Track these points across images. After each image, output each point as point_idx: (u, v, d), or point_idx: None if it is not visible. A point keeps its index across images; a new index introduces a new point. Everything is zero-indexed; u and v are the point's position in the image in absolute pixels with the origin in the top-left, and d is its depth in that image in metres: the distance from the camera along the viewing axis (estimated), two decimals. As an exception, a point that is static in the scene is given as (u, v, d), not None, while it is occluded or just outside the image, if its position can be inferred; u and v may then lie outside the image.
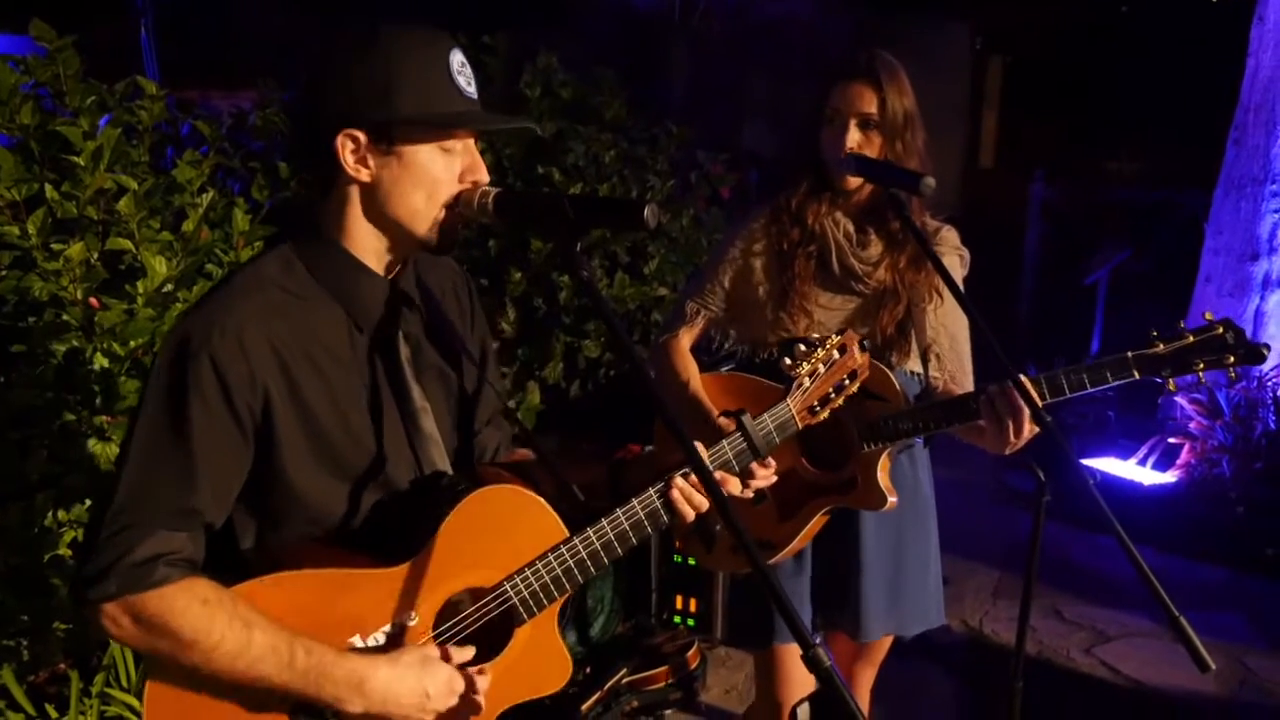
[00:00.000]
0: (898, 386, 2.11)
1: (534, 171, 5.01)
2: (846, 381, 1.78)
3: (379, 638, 1.44)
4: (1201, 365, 1.91)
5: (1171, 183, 8.52)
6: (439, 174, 1.44)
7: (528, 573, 1.50)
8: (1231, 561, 4.72)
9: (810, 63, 8.37)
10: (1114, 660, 3.88)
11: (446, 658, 1.45)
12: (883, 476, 2.13)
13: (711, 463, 1.64)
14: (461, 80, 1.44)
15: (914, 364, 2.22)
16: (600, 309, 1.34)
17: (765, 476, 1.70)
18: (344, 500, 1.48)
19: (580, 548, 1.52)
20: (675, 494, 1.55)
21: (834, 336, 1.76)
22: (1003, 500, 5.49)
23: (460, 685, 1.44)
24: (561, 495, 1.56)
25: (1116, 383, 1.95)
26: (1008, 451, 1.99)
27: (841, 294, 2.23)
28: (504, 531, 1.50)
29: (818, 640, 1.16)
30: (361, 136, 1.41)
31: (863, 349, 1.79)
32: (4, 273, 2.48)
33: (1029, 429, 1.93)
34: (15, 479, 2.43)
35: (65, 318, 2.46)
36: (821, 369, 1.75)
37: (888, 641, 2.41)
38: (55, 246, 2.47)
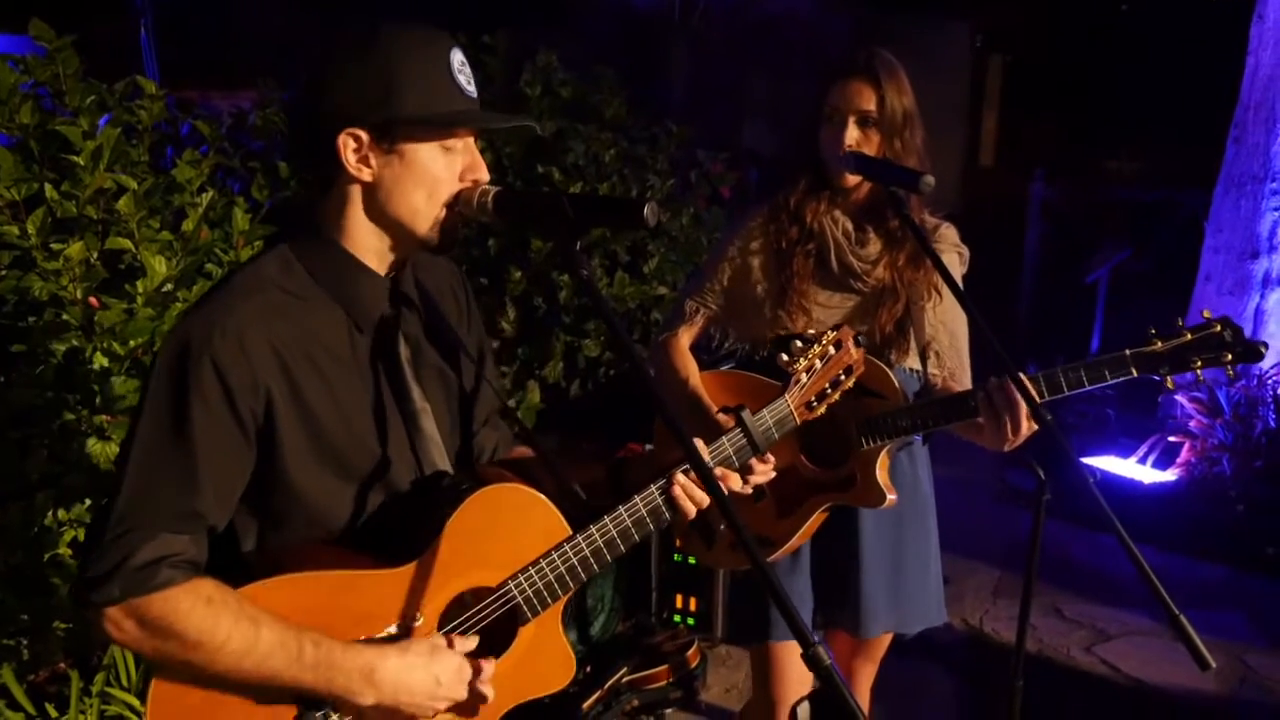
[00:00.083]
0: (896, 384, 2.12)
1: (534, 170, 5.01)
2: (842, 377, 1.80)
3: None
4: (1199, 363, 1.91)
5: (1171, 181, 8.52)
6: (440, 173, 1.45)
7: (531, 571, 1.50)
8: (1232, 560, 4.72)
9: (810, 62, 8.37)
10: (1114, 659, 3.88)
11: (452, 647, 1.45)
12: (882, 474, 2.13)
13: (712, 459, 1.65)
14: (462, 79, 1.44)
15: (913, 361, 2.22)
16: (600, 308, 1.35)
17: (764, 473, 1.71)
18: (346, 501, 1.48)
19: (583, 545, 1.52)
20: (677, 490, 1.55)
21: (829, 332, 1.78)
22: (1003, 499, 5.49)
23: (469, 672, 1.45)
24: (562, 494, 1.56)
25: (1115, 381, 1.95)
26: (1007, 449, 1.99)
27: (840, 292, 2.23)
28: (507, 530, 1.50)
29: (817, 639, 1.17)
30: (363, 135, 1.41)
31: (858, 344, 1.80)
32: (4, 272, 2.48)
33: (1027, 426, 1.93)
34: (15, 479, 2.43)
35: (65, 317, 2.46)
36: (818, 365, 1.76)
37: (887, 639, 2.41)
38: (55, 246, 2.47)
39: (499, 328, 4.83)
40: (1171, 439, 5.58)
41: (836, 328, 1.80)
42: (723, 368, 2.33)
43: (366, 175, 1.43)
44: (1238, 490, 5.16)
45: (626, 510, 1.54)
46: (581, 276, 1.36)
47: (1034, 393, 1.91)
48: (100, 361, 2.44)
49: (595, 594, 3.45)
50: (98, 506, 2.43)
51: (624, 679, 3.06)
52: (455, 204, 1.46)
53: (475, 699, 1.46)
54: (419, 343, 1.58)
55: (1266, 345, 1.91)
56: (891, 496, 2.14)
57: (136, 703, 2.63)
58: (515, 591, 1.50)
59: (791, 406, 1.75)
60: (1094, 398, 5.92)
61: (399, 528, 1.49)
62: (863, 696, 2.52)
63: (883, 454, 2.13)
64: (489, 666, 1.47)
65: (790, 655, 2.31)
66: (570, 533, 1.52)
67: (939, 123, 2.36)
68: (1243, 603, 4.36)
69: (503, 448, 1.78)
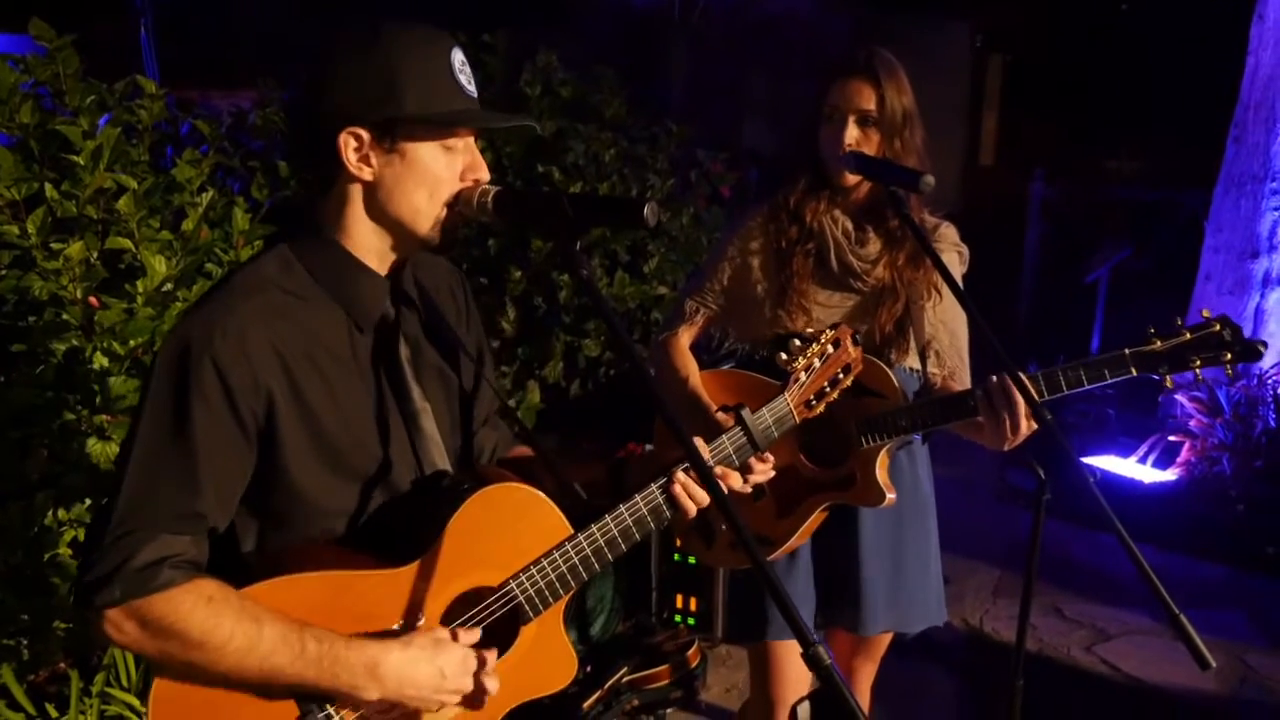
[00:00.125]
0: (896, 383, 2.12)
1: (534, 170, 5.01)
2: (841, 375, 1.81)
3: None
4: (1198, 362, 1.91)
5: (1171, 181, 8.52)
6: (441, 172, 1.45)
7: (533, 571, 1.50)
8: (1232, 559, 4.72)
9: (810, 61, 8.37)
10: (1114, 658, 3.88)
11: (456, 640, 1.44)
12: (881, 473, 2.13)
13: (712, 458, 1.65)
14: (463, 79, 1.45)
15: (913, 361, 2.22)
16: (600, 308, 1.35)
17: (764, 472, 1.71)
18: (347, 501, 1.48)
19: (585, 544, 1.53)
20: (677, 488, 1.56)
21: (828, 331, 1.79)
22: (1003, 498, 5.49)
23: (474, 664, 1.44)
24: (563, 493, 1.57)
25: (1114, 380, 1.96)
26: (1006, 448, 1.99)
27: (840, 292, 2.23)
28: (509, 530, 1.50)
29: (817, 638, 1.17)
30: (364, 134, 1.41)
31: (855, 343, 1.81)
32: (4, 272, 2.48)
33: (1026, 425, 1.93)
34: (15, 479, 2.43)
35: (65, 317, 2.46)
36: (816, 363, 1.77)
37: (887, 638, 2.41)
38: (55, 246, 2.47)
39: (499, 327, 4.83)
40: (1172, 438, 5.58)
41: (834, 326, 1.81)
42: (723, 367, 2.33)
43: (367, 174, 1.43)
44: (1238, 490, 5.16)
45: (627, 509, 1.54)
46: (581, 276, 1.36)
47: (1033, 392, 1.91)
48: (100, 361, 2.44)
49: (595, 594, 3.45)
50: (98, 506, 2.43)
51: (624, 679, 3.05)
52: (456, 203, 1.46)
53: (480, 691, 1.45)
54: (419, 342, 1.58)
55: (1265, 344, 1.91)
56: (891, 495, 2.14)
57: (136, 702, 2.63)
58: (517, 591, 1.50)
59: (791, 405, 1.76)
60: (1094, 397, 5.92)
61: (400, 528, 1.49)
62: (863, 696, 2.52)
63: (882, 453, 2.13)
64: (493, 657, 1.46)
65: (788, 654, 2.31)
66: (572, 531, 1.52)
67: (939, 122, 2.36)
68: (1243, 602, 4.35)
69: (502, 447, 1.78)
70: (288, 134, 4.28)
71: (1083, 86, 11.45)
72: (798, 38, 9.16)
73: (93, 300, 2.48)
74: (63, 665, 2.76)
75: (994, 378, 1.96)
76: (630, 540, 1.55)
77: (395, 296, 1.53)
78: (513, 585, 1.49)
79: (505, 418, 1.78)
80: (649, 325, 5.15)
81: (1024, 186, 8.93)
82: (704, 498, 1.55)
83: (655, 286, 5.16)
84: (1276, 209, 5.65)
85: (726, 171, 6.18)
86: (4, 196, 2.44)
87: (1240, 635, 4.06)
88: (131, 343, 2.43)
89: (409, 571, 1.44)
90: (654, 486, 1.56)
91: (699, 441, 1.59)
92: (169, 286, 2.56)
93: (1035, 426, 1.92)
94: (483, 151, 1.51)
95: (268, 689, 1.37)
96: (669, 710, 3.15)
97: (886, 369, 2.13)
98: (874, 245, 2.21)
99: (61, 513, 2.53)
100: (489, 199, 1.45)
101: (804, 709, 2.37)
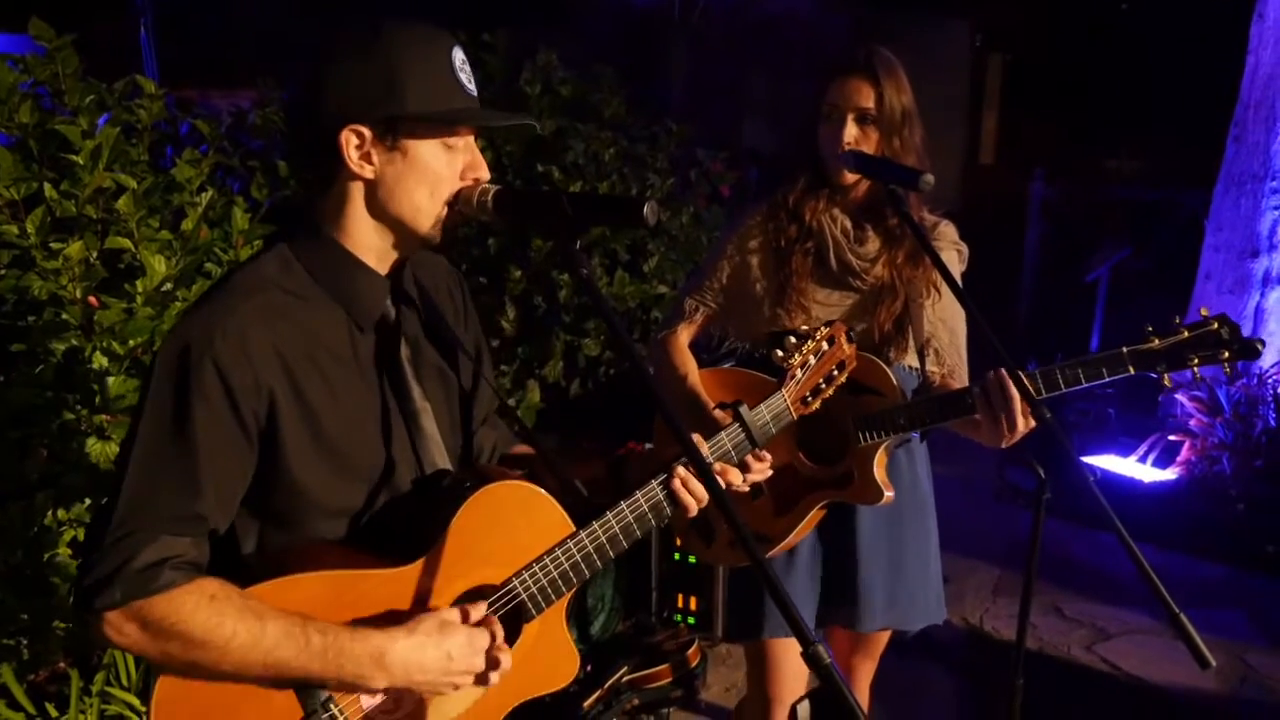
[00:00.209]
0: (894, 381, 2.12)
1: (534, 169, 5.00)
2: (835, 372, 1.83)
3: None
4: (1196, 360, 1.91)
5: (1171, 180, 8.52)
6: (442, 170, 1.45)
7: (535, 568, 1.50)
8: (1232, 559, 4.72)
9: (809, 60, 8.37)
10: (1114, 657, 3.88)
11: (465, 617, 1.42)
12: (879, 471, 2.14)
13: (711, 455, 1.66)
14: (463, 77, 1.45)
15: (912, 359, 2.22)
16: (600, 307, 1.35)
17: (762, 470, 1.72)
18: (348, 501, 1.48)
19: (587, 542, 1.53)
20: (677, 484, 1.56)
21: (823, 328, 1.80)
22: (1003, 497, 5.49)
23: (482, 641, 1.42)
24: (564, 490, 1.57)
25: (1112, 378, 1.96)
26: (1004, 445, 1.99)
27: (839, 290, 2.23)
28: (512, 527, 1.50)
29: (816, 637, 1.17)
30: (366, 132, 1.41)
31: (850, 340, 1.82)
32: (3, 272, 2.48)
33: (1024, 423, 1.93)
34: (15, 479, 2.43)
35: (64, 317, 2.46)
36: (812, 360, 1.79)
37: (886, 636, 2.42)
38: (54, 245, 2.47)
39: (499, 327, 4.82)
40: (1172, 438, 5.58)
41: (829, 323, 1.81)
42: (722, 366, 2.33)
43: (368, 172, 1.43)
44: (1238, 489, 5.16)
45: (629, 505, 1.55)
46: (581, 275, 1.36)
47: (1031, 389, 1.91)
48: (100, 361, 2.44)
49: (596, 593, 3.45)
50: (97, 506, 2.43)
51: (624, 678, 3.06)
52: (456, 202, 1.46)
53: (492, 668, 1.43)
54: (419, 342, 1.58)
55: (1263, 342, 1.91)
56: (889, 493, 2.14)
57: (136, 702, 2.64)
58: (520, 588, 1.50)
59: (788, 401, 1.78)
60: (1094, 396, 5.92)
61: (402, 526, 1.49)
62: (862, 694, 2.52)
63: (880, 451, 2.13)
64: (501, 631, 1.44)
65: (785, 651, 2.31)
66: (574, 528, 1.53)
67: (939, 121, 2.36)
68: (1243, 601, 4.35)
69: (501, 446, 1.79)
70: (287, 133, 4.28)
71: (1083, 86, 11.45)
72: (798, 37, 9.16)
73: (92, 300, 2.48)
74: (63, 665, 2.76)
75: (991, 375, 1.96)
76: (632, 536, 1.55)
77: (395, 296, 1.53)
78: (516, 582, 1.49)
79: (505, 417, 1.78)
80: (649, 324, 5.15)
81: (1024, 186, 8.93)
82: (704, 494, 1.56)
83: (655, 285, 5.16)
84: (1277, 208, 5.65)
85: (726, 171, 6.18)
86: (3, 196, 2.44)
87: (1240, 635, 4.06)
88: (131, 342, 2.43)
89: (412, 570, 1.43)
90: (654, 483, 1.56)
91: (698, 439, 1.60)
92: (168, 286, 2.56)
93: (1033, 424, 1.93)
94: (482, 150, 1.51)
95: (272, 687, 1.36)
96: (669, 709, 3.15)
97: (884, 367, 2.13)
98: (873, 244, 2.21)
99: (61, 513, 2.53)
100: (489, 198, 1.45)
101: (804, 708, 2.37)
